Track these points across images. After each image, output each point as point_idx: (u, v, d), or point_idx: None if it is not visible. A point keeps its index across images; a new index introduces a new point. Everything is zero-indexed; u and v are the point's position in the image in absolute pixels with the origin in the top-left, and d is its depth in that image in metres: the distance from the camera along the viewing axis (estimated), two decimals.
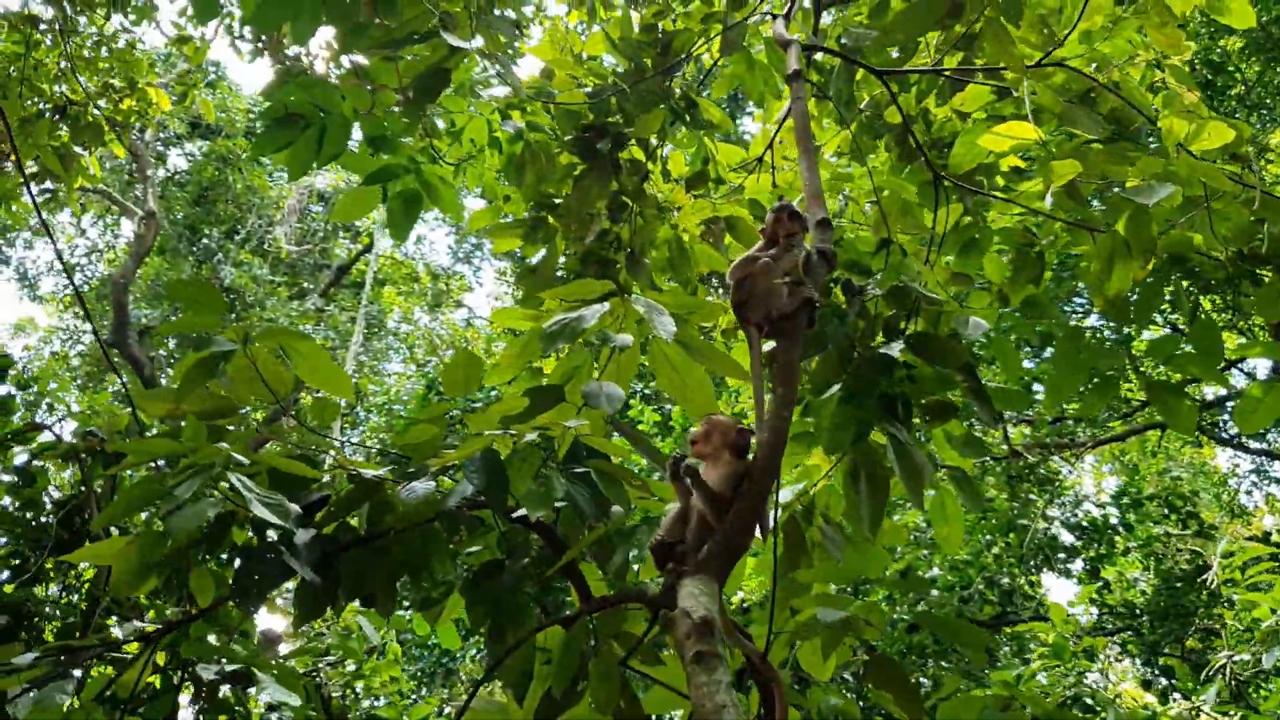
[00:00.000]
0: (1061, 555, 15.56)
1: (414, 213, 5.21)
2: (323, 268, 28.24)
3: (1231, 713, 7.41)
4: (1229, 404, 15.17)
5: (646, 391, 17.74)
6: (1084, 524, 15.74)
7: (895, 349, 3.43)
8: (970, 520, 15.54)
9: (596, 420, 3.48)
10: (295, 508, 3.03)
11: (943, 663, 12.78)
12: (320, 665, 7.14)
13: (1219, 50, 14.82)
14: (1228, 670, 7.63)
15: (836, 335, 3.36)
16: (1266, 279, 3.40)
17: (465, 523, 2.87)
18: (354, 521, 3.23)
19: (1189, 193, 3.48)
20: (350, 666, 7.28)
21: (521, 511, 2.96)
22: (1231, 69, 14.86)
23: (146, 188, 21.14)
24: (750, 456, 2.80)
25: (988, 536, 15.44)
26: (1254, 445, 17.05)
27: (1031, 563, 15.60)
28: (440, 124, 5.43)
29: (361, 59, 4.82)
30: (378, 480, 3.11)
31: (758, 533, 2.79)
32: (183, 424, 2.93)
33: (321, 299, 26.82)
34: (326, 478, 3.24)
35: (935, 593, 13.57)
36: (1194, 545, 15.48)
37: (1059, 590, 23.27)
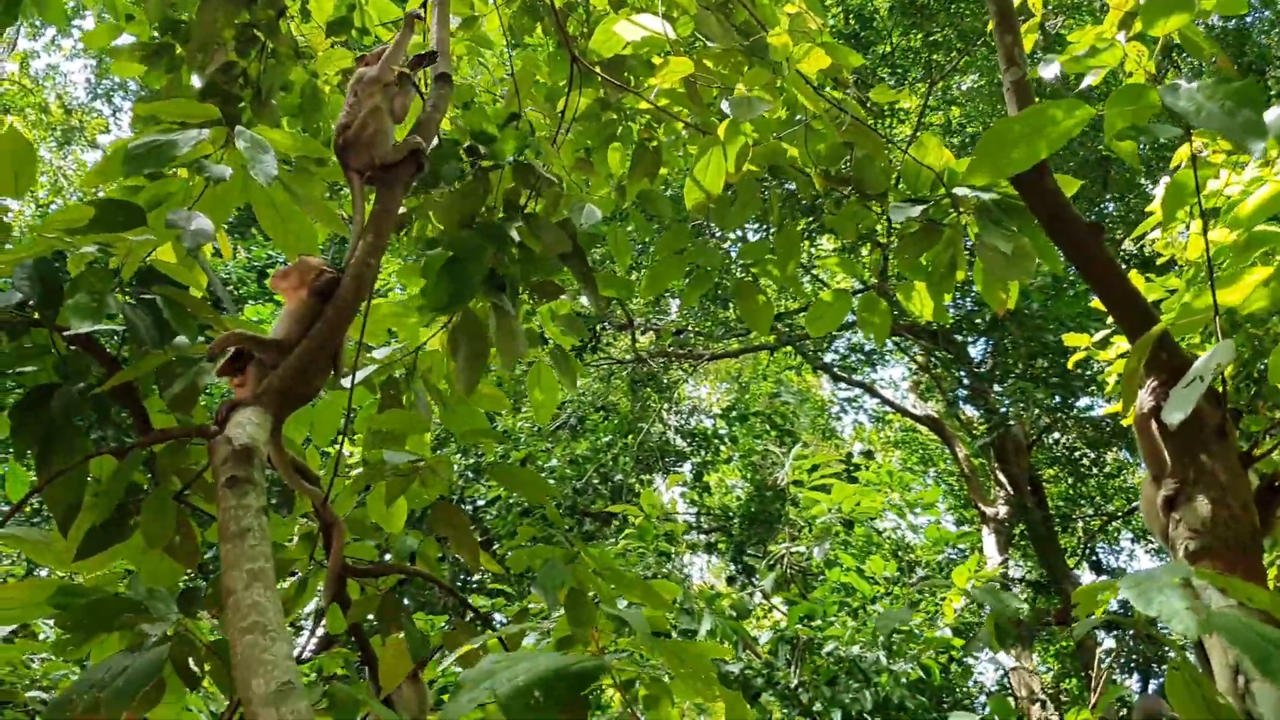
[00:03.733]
0: (672, 458, 16.61)
1: (12, 12, 4.67)
2: None
3: (788, 596, 8.28)
4: (830, 334, 16.60)
5: None
6: (695, 432, 16.85)
7: (513, 227, 3.48)
8: (594, 420, 16.26)
9: (180, 250, 3.30)
10: None
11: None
12: None
13: (871, 8, 15.92)
14: (785, 560, 8.48)
15: (450, 174, 3.34)
16: (847, 200, 3.74)
17: (7, 329, 2.63)
18: None
19: (794, 109, 3.74)
20: None
21: (74, 330, 2.76)
22: (879, 27, 16.01)
23: None
24: None
25: (608, 437, 16.20)
26: (856, 378, 18.74)
27: (646, 464, 16.55)
28: None
29: None
30: None
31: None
32: None
33: None
34: None
35: (551, 481, 14.08)
36: (783, 460, 17.02)
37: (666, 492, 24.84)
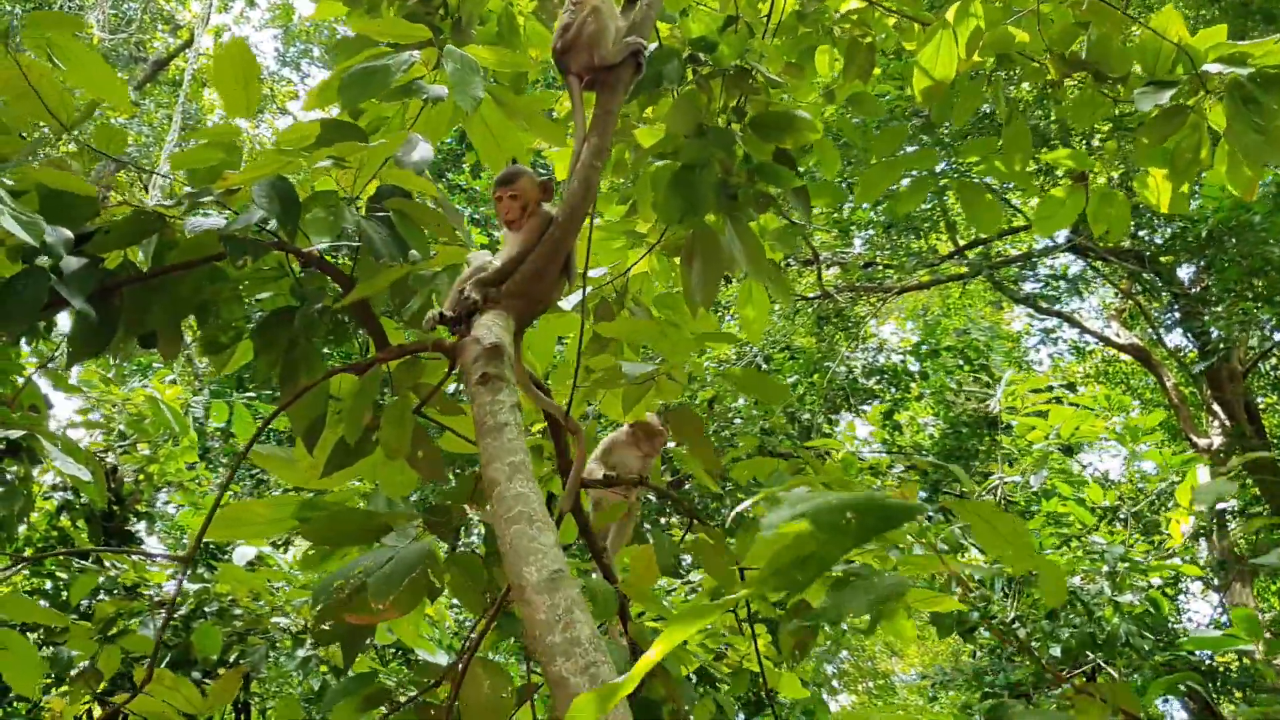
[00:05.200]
0: (860, 397, 16.26)
1: None
2: (139, 60, 26.21)
3: None
4: (1030, 260, 15.89)
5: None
6: (883, 370, 16.44)
7: (739, 134, 3.38)
8: (779, 360, 16.06)
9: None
10: (66, 233, 2.81)
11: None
12: (113, 447, 6.85)
13: None
14: (999, 490, 8.18)
15: (672, 75, 3.25)
16: (1083, 85, 3.48)
17: (251, 250, 2.68)
18: (137, 258, 3.02)
19: None
20: (144, 451, 7.01)
21: (315, 246, 2.81)
22: None
23: None
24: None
25: (793, 377, 15.97)
26: (1054, 309, 17.92)
27: (833, 403, 16.27)
28: None
29: None
30: (158, 214, 2.89)
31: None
32: None
33: (136, 92, 25.00)
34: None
35: (739, 420, 14.01)
36: (982, 393, 16.46)
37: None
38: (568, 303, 3.88)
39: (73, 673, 3.69)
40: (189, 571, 4.78)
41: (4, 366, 5.28)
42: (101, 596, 5.81)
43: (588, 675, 1.63)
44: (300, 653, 5.04)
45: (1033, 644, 7.08)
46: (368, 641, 4.71)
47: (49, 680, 5.11)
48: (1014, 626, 7.13)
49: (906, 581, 1.47)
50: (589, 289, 3.96)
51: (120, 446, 6.76)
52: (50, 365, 5.53)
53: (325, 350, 3.18)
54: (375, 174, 2.80)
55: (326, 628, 2.88)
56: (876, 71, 3.99)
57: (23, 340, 5.85)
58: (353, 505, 3.24)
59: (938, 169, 3.88)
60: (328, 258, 2.94)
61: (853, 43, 3.88)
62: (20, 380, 5.37)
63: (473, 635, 2.79)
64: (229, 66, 2.76)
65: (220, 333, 3.15)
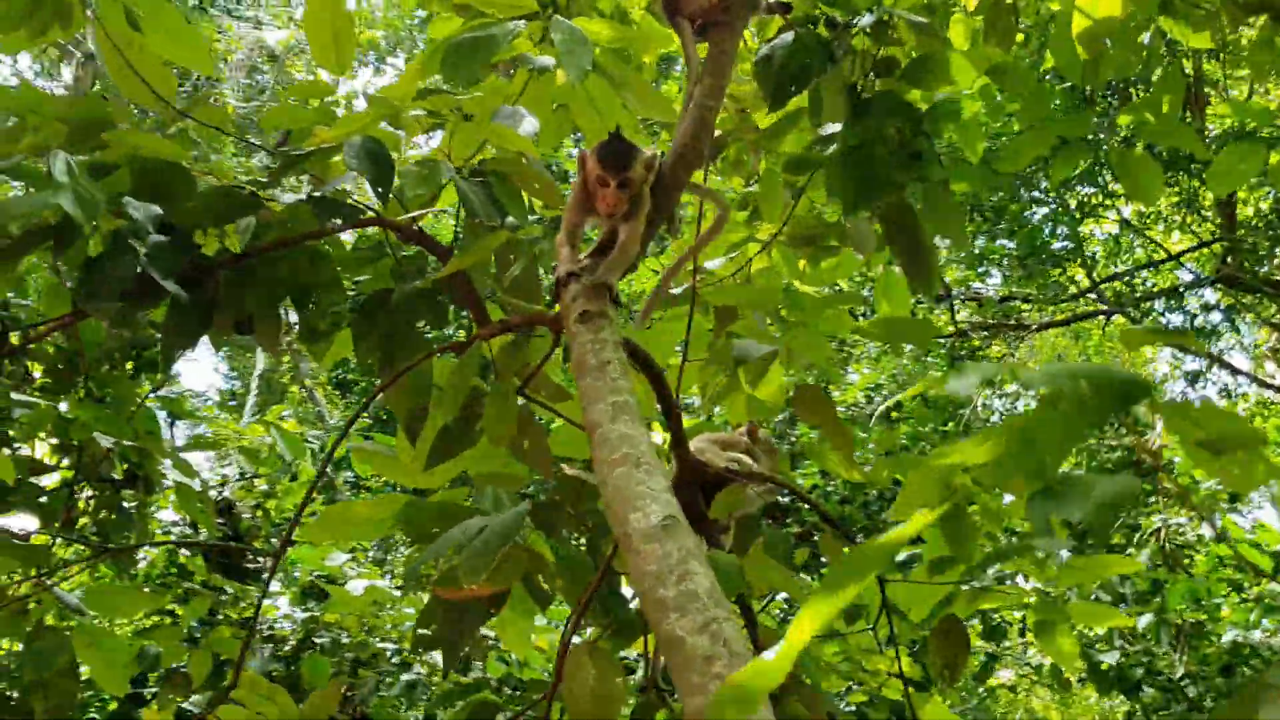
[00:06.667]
0: None
1: None
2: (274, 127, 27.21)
3: (1164, 577, 7.26)
4: (1177, 294, 15.03)
5: None
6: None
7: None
8: (911, 408, 15.40)
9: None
10: (154, 209, 2.67)
11: None
12: (230, 483, 6.82)
13: None
14: (1162, 534, 7.50)
15: (820, 68, 2.95)
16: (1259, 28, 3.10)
17: (341, 213, 2.49)
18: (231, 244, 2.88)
19: None
20: (262, 487, 6.96)
21: (409, 214, 2.62)
22: None
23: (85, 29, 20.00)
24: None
25: (929, 425, 15.31)
26: (1194, 346, 16.94)
27: None
28: None
29: None
30: (252, 192, 2.74)
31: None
32: None
33: (270, 158, 25.88)
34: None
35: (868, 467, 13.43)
36: (1126, 441, 15.56)
37: None
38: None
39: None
40: (290, 589, 4.64)
41: (122, 394, 5.24)
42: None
43: (708, 633, 1.33)
44: (405, 678, 4.81)
45: (1206, 704, 6.40)
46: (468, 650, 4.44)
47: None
48: (1183, 683, 6.45)
49: (1137, 481, 1.16)
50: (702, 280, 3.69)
51: (237, 482, 6.71)
52: (163, 392, 5.48)
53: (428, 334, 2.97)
54: (477, 150, 2.59)
55: (428, 632, 2.64)
56: (1019, 37, 3.66)
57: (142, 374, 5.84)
58: (459, 504, 3.01)
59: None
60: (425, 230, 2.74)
61: (995, 4, 3.54)
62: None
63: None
64: (318, 15, 2.58)
65: (319, 319, 2.96)
